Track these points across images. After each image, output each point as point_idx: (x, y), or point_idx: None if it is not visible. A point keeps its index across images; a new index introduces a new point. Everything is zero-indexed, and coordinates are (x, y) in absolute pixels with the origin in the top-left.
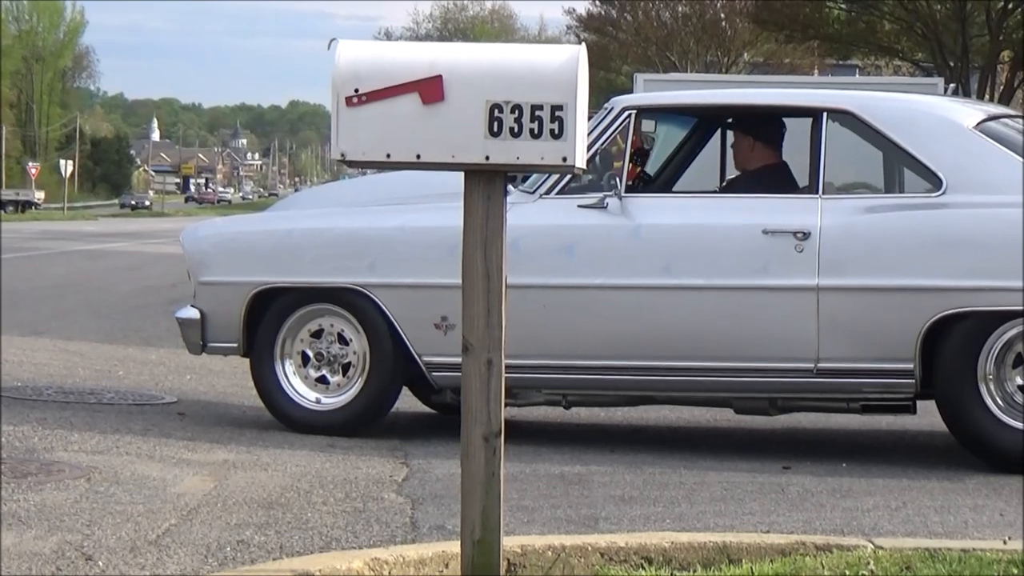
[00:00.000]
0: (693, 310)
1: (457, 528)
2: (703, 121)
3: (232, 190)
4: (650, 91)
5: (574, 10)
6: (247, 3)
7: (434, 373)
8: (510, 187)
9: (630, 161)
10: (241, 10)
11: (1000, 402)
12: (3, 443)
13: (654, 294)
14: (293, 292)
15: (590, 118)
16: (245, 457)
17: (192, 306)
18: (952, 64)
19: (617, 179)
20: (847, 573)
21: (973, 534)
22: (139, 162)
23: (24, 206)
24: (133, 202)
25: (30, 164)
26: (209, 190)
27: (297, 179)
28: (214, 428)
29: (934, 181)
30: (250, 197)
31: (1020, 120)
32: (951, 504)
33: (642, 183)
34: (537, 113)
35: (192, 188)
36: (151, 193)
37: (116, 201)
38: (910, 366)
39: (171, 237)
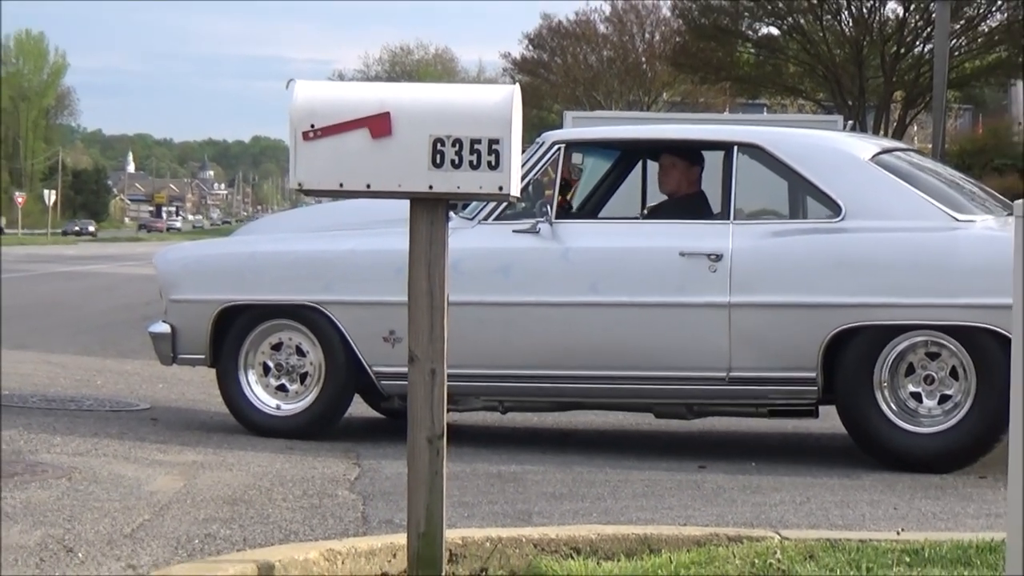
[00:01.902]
0: (617, 325)
1: (404, 522)
2: (626, 153)
3: (181, 219)
4: (578, 127)
5: (509, 54)
6: (212, 48)
7: (383, 382)
8: (451, 214)
9: (560, 190)
10: (207, 54)
11: (894, 407)
12: None
13: (582, 310)
14: (255, 308)
15: (524, 151)
16: (212, 458)
17: (163, 321)
18: (850, 103)
19: (548, 206)
20: (756, 562)
21: (870, 526)
22: (116, 192)
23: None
24: (77, 228)
25: (16, 194)
26: (160, 219)
27: (259, 207)
28: (184, 432)
29: (834, 208)
30: (201, 225)
31: (911, 152)
32: (850, 499)
33: (570, 210)
34: (476, 146)
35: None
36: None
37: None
38: (813, 374)
39: (145, 260)
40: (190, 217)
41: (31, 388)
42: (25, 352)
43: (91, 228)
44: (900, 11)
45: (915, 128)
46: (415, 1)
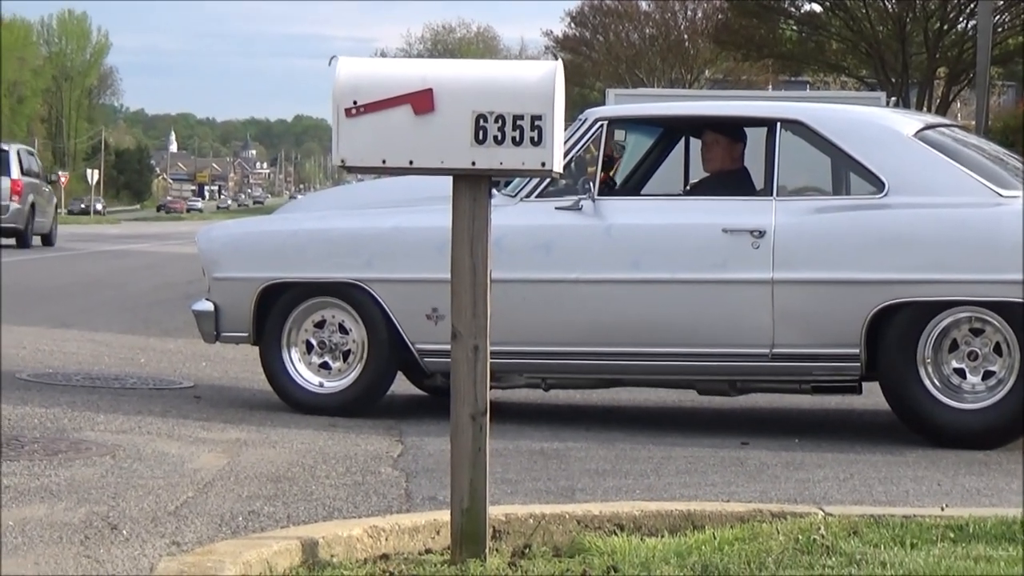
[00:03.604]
0: (659, 301)
1: (447, 499)
2: (668, 130)
3: (201, 200)
4: (620, 104)
5: (551, 32)
6: (254, 26)
7: (426, 359)
8: (494, 191)
9: (602, 167)
10: (249, 33)
11: (937, 383)
12: (36, 424)
13: (624, 287)
14: (298, 286)
15: (566, 128)
16: (255, 436)
17: (207, 300)
18: (893, 80)
19: (591, 183)
20: (800, 538)
21: (914, 502)
22: (158, 171)
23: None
24: (83, 206)
25: (60, 173)
26: (180, 200)
27: (302, 186)
28: (227, 410)
29: (877, 184)
30: (226, 205)
31: (954, 128)
32: (894, 475)
33: (613, 187)
34: (518, 123)
35: (203, 194)
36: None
37: (137, 206)
38: (856, 351)
39: (188, 238)
40: (229, 197)
41: (75, 366)
42: (69, 331)
43: (99, 206)
44: None
45: (958, 104)
46: None
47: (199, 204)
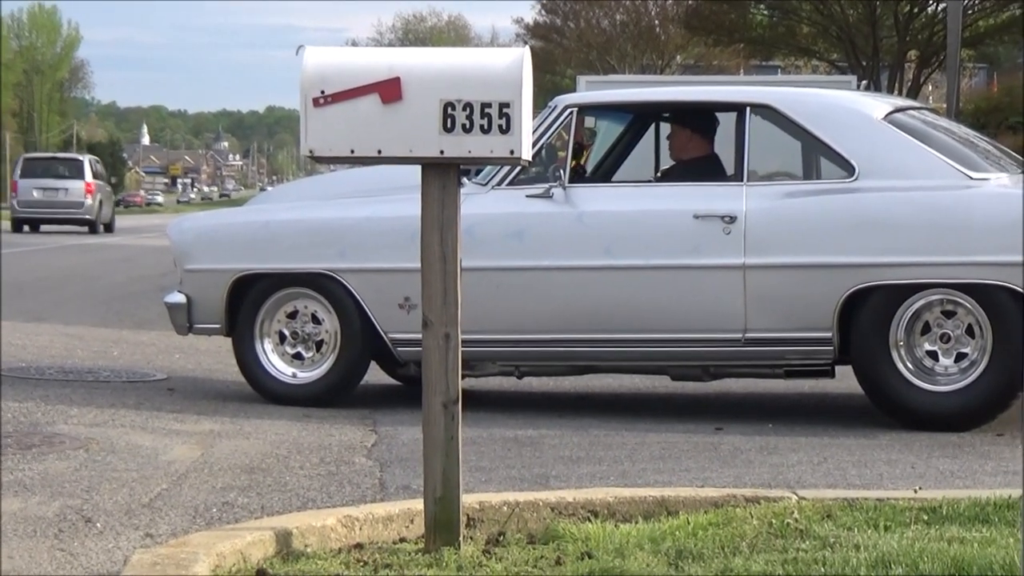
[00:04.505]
0: (632, 288)
1: (421, 487)
2: (639, 116)
3: (160, 194)
4: (591, 91)
5: (522, 19)
6: (225, 19)
7: (399, 348)
8: (464, 179)
9: (573, 154)
10: (220, 25)
11: (910, 366)
12: (9, 418)
13: (596, 274)
14: (270, 277)
15: (536, 116)
16: (229, 427)
17: (179, 292)
18: (864, 63)
19: (561, 171)
20: (774, 522)
21: (887, 485)
22: (131, 164)
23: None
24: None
25: None
26: (139, 194)
27: (274, 177)
28: (201, 401)
29: (847, 168)
30: (188, 199)
31: (925, 111)
32: (867, 459)
33: (584, 174)
34: (486, 110)
35: (177, 187)
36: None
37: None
38: (829, 335)
39: (160, 231)
40: (205, 188)
41: (48, 360)
42: (42, 324)
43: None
44: None
45: (930, 87)
46: None
47: (159, 198)
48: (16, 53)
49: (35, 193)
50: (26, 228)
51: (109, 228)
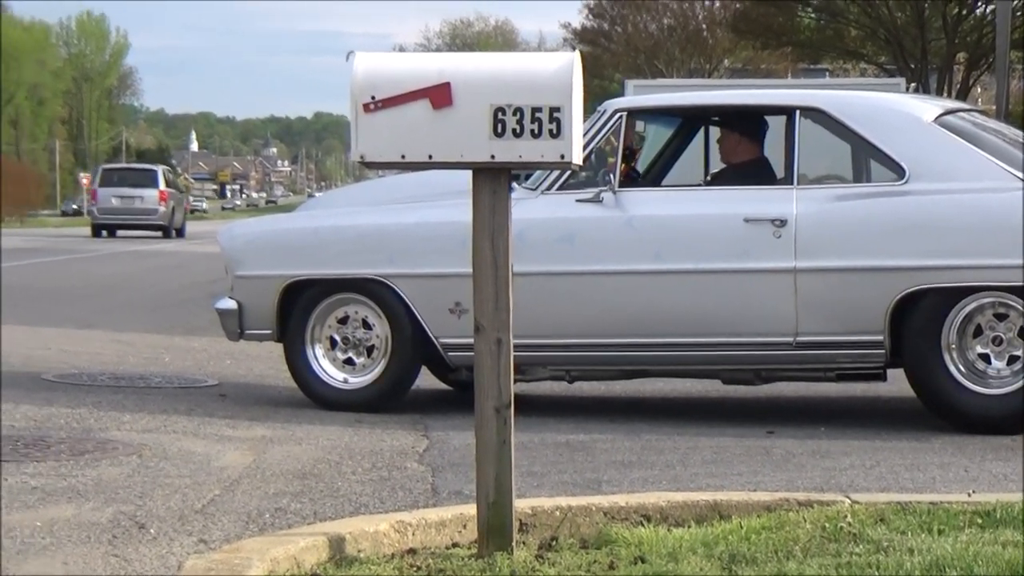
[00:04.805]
0: (682, 292)
1: (474, 493)
2: (688, 120)
3: (205, 200)
4: (640, 95)
5: (570, 24)
6: (272, 24)
7: (450, 353)
8: (515, 185)
9: (622, 158)
10: (267, 31)
11: (962, 369)
12: (62, 424)
13: (647, 278)
14: (321, 283)
15: (585, 121)
16: (281, 433)
17: (230, 298)
18: (912, 66)
19: (611, 175)
20: (827, 526)
21: (940, 488)
22: (180, 171)
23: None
24: (75, 207)
25: (81, 175)
26: (186, 200)
27: (323, 183)
28: (252, 407)
29: (898, 171)
30: (232, 206)
31: (975, 114)
32: (920, 462)
33: (634, 178)
34: (537, 115)
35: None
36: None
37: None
38: (880, 338)
39: (211, 237)
40: (254, 195)
41: (100, 366)
42: (93, 331)
43: (95, 209)
44: None
45: (978, 89)
46: None
47: (204, 204)
48: (65, 61)
49: (113, 200)
50: (104, 233)
51: (180, 233)
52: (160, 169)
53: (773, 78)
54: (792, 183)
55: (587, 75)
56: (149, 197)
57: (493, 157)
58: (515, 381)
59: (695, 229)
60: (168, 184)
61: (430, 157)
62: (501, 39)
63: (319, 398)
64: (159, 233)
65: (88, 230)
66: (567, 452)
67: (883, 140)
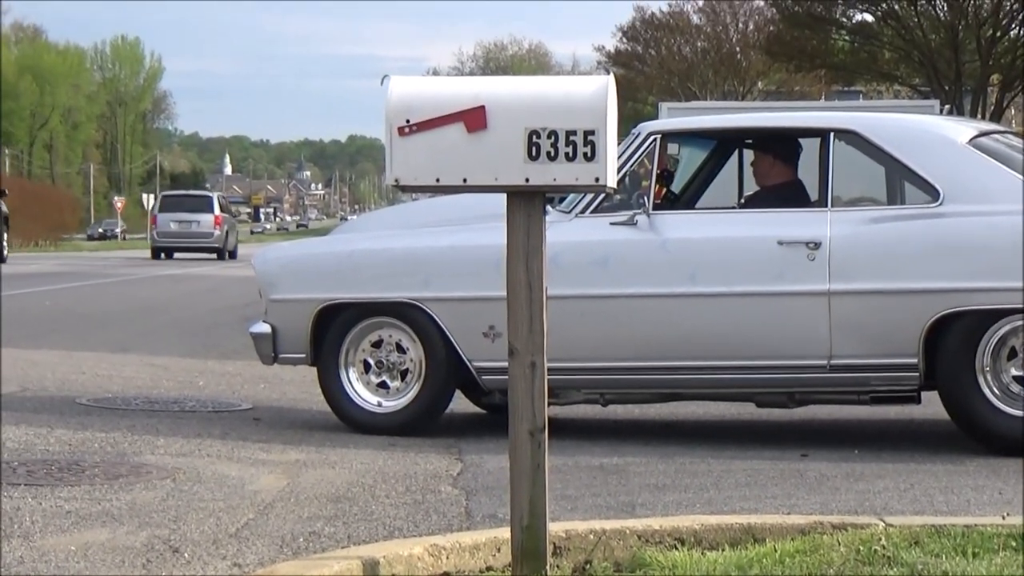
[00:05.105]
0: (716, 315)
1: (507, 516)
2: (722, 143)
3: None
4: (673, 118)
5: (603, 47)
6: (305, 48)
7: (483, 376)
8: (548, 207)
9: (656, 181)
10: (301, 55)
11: (997, 391)
12: (96, 448)
13: (681, 301)
14: (355, 307)
15: (619, 143)
16: (315, 456)
17: (264, 322)
18: (947, 87)
19: (645, 198)
20: (861, 549)
21: (975, 511)
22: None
23: (105, 235)
24: (101, 230)
25: (116, 198)
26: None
27: (357, 206)
28: (286, 431)
29: (932, 193)
30: (261, 230)
31: (1009, 135)
32: (954, 485)
33: (668, 201)
34: (571, 138)
35: (259, 217)
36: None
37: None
38: (914, 360)
39: (244, 261)
40: (288, 218)
41: (134, 390)
42: (128, 355)
43: (117, 229)
44: None
45: (1012, 111)
46: None
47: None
48: (99, 85)
49: (172, 225)
50: (163, 255)
51: (233, 255)
52: (215, 195)
53: (807, 100)
54: (826, 205)
55: (621, 98)
56: (205, 221)
57: (528, 180)
58: (549, 404)
59: (729, 252)
60: (222, 209)
61: (465, 181)
62: (535, 62)
63: (353, 422)
64: (213, 255)
65: (148, 252)
66: (601, 475)
67: (917, 162)
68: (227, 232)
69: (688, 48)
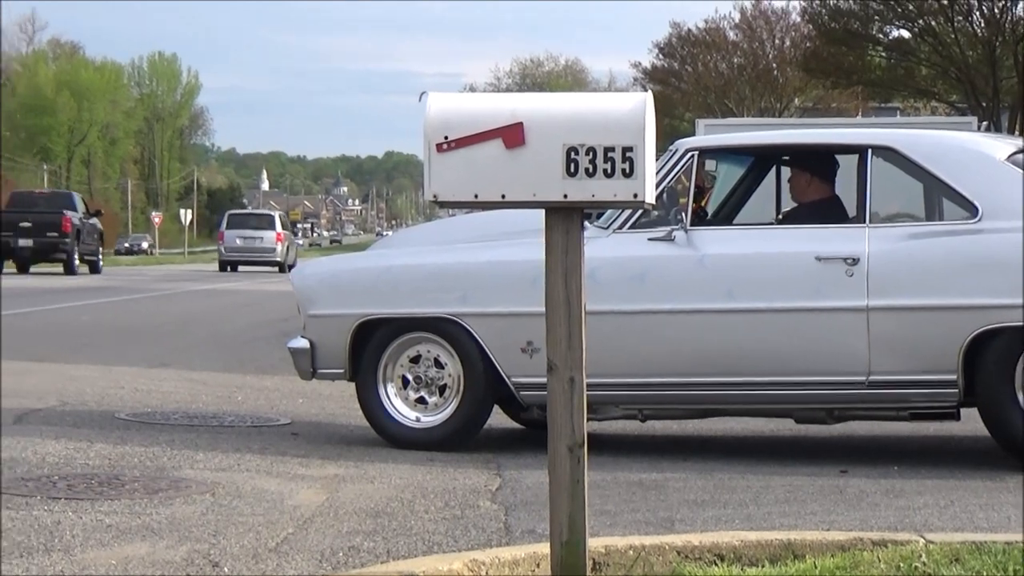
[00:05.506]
0: (755, 331)
1: (547, 531)
2: (759, 159)
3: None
4: (710, 134)
5: (640, 63)
6: (342, 64)
7: (522, 392)
8: (586, 223)
9: (694, 197)
10: (337, 70)
11: None
12: (135, 463)
13: (719, 317)
14: (393, 322)
15: (657, 160)
16: (354, 471)
17: (302, 337)
18: (984, 104)
19: (683, 214)
20: (901, 565)
21: (1015, 528)
22: (251, 210)
23: (133, 251)
24: (127, 245)
25: (153, 214)
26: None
27: (394, 222)
28: (325, 446)
29: (970, 209)
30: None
31: None
32: (995, 501)
33: (705, 217)
34: (610, 154)
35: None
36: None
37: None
38: (953, 377)
39: (281, 276)
40: (325, 233)
41: (173, 405)
42: (167, 370)
43: (144, 244)
44: None
45: None
46: (544, 13)
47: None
48: (137, 101)
49: (238, 241)
50: (228, 268)
51: (293, 268)
52: (277, 214)
53: (844, 117)
54: (864, 221)
55: (657, 114)
56: (268, 238)
57: (566, 196)
58: (587, 420)
59: (767, 268)
60: (283, 226)
61: (503, 196)
62: (571, 78)
63: (391, 437)
64: (275, 268)
65: (216, 266)
66: (640, 491)
67: (956, 178)
68: (288, 247)
69: (724, 64)
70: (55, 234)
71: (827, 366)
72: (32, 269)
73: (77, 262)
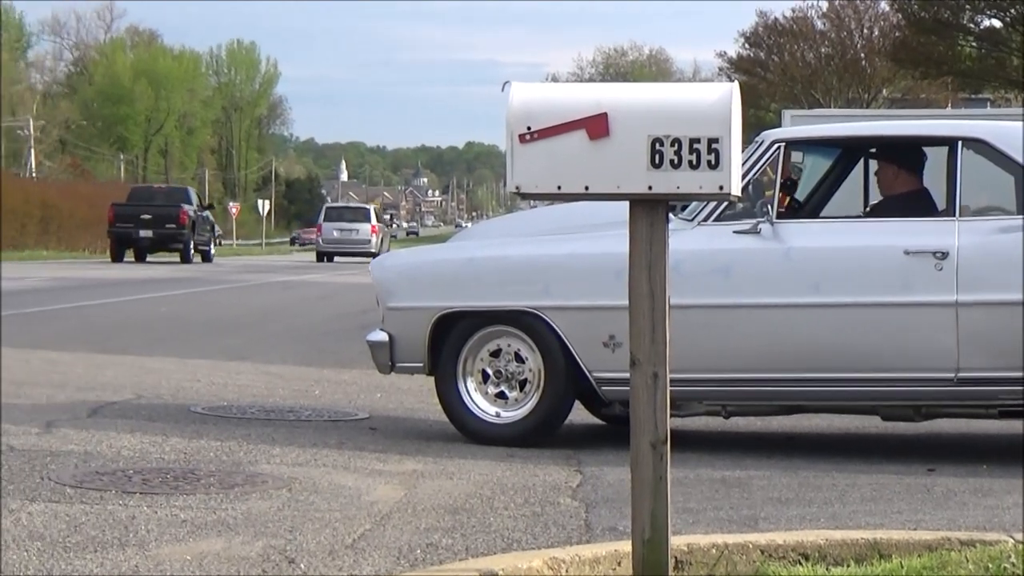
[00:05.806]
0: (841, 325)
1: (628, 529)
2: (847, 151)
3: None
4: (797, 126)
5: (725, 53)
6: (421, 54)
7: (604, 387)
8: (671, 215)
9: (780, 189)
10: (417, 60)
11: None
12: (211, 457)
13: (805, 311)
14: (473, 315)
15: (743, 151)
16: (432, 467)
17: (381, 330)
18: None
19: (769, 206)
20: (990, 566)
21: None
22: (329, 200)
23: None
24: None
25: (231, 204)
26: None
27: (474, 213)
28: (403, 441)
29: None
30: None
31: None
32: None
33: (792, 209)
34: (695, 146)
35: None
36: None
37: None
38: None
39: (359, 268)
40: (405, 224)
41: (249, 399)
42: (243, 363)
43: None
44: None
45: None
46: (628, 2)
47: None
48: (215, 90)
49: (335, 233)
50: (325, 259)
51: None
52: (372, 208)
53: (933, 108)
54: (954, 215)
55: (743, 105)
56: (363, 230)
57: (651, 188)
58: (671, 416)
59: (854, 261)
60: (378, 219)
61: (587, 188)
62: (655, 68)
63: (471, 432)
64: (370, 259)
65: (314, 256)
66: (723, 488)
67: None
68: (382, 239)
69: (812, 54)
70: (173, 226)
71: (915, 362)
72: (148, 258)
73: (192, 251)
